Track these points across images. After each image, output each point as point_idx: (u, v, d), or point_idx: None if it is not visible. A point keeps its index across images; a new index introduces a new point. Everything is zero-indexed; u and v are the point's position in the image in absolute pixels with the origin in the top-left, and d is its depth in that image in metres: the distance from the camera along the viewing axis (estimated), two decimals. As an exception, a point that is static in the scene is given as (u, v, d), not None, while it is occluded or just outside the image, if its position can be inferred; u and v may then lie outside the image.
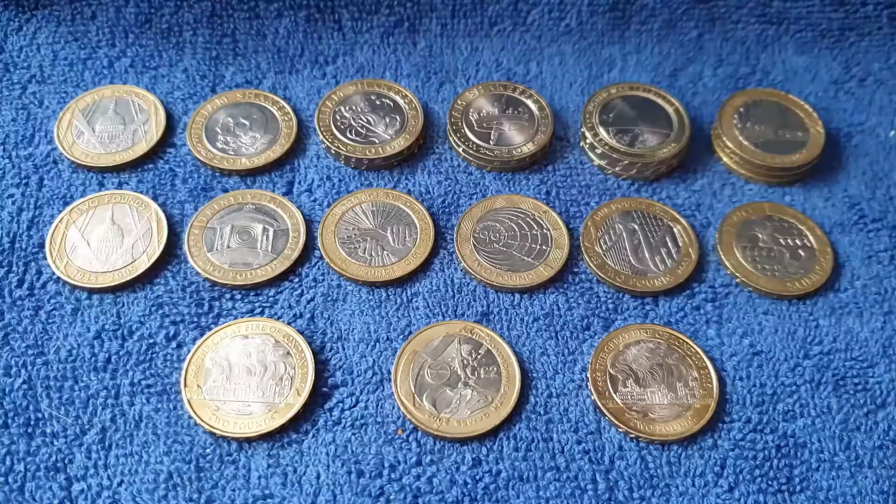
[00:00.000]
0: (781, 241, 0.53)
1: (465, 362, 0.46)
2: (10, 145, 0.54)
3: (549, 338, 0.48)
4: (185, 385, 0.45)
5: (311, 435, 0.44)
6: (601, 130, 0.56)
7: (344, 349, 0.47)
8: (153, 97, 0.57)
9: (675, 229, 0.53)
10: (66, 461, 0.42)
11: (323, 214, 0.52)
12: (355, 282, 0.50)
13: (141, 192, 0.52)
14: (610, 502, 0.43)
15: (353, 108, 0.57)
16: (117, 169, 0.54)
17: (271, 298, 0.49)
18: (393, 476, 0.43)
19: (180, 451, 0.43)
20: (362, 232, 0.51)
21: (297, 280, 0.50)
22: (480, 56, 0.62)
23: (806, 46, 0.64)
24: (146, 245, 0.50)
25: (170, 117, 0.56)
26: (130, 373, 0.45)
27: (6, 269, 0.49)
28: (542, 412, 0.46)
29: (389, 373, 0.46)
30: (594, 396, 0.46)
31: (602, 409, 0.45)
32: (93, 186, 0.53)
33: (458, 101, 0.58)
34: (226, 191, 0.53)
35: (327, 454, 0.43)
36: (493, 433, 0.45)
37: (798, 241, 0.53)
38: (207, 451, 0.43)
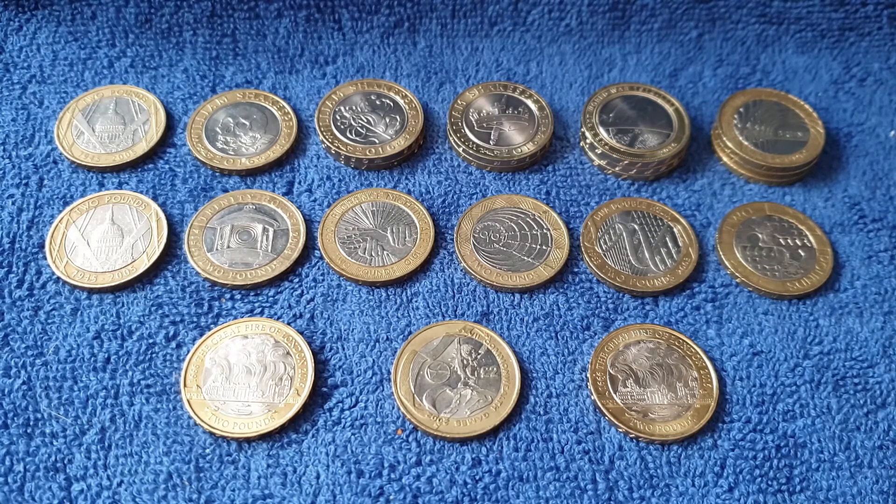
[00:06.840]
0: (781, 241, 0.53)
1: (465, 362, 0.46)
2: (10, 145, 0.54)
3: (549, 338, 0.48)
4: (185, 385, 0.45)
5: (310, 435, 0.44)
6: (601, 130, 0.56)
7: (344, 349, 0.47)
8: (153, 97, 0.57)
9: (675, 229, 0.53)
10: (66, 461, 0.42)
11: (323, 214, 0.52)
12: (355, 282, 0.50)
13: (141, 192, 0.52)
14: (610, 502, 0.43)
15: (353, 108, 0.57)
16: (117, 169, 0.54)
17: (271, 298, 0.49)
18: (393, 476, 0.43)
19: (180, 452, 0.43)
20: (362, 232, 0.51)
21: (296, 280, 0.50)
22: (480, 56, 0.62)
23: (806, 46, 0.64)
24: (146, 245, 0.50)
25: (170, 117, 0.57)
26: (130, 373, 0.45)
27: (6, 269, 0.49)
28: (541, 412, 0.46)
29: (389, 373, 0.46)
30: (594, 396, 0.46)
31: (602, 409, 0.45)
32: (93, 186, 0.53)
33: (458, 101, 0.58)
34: (226, 191, 0.53)
35: (327, 454, 0.43)
36: (493, 433, 0.45)
37: (798, 241, 0.53)
38: (207, 451, 0.43)
